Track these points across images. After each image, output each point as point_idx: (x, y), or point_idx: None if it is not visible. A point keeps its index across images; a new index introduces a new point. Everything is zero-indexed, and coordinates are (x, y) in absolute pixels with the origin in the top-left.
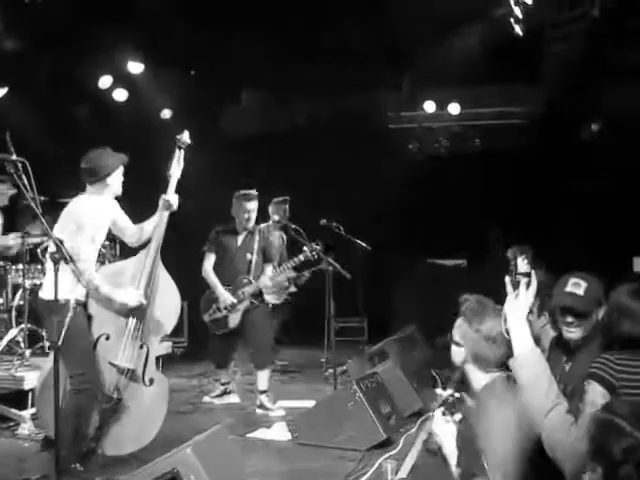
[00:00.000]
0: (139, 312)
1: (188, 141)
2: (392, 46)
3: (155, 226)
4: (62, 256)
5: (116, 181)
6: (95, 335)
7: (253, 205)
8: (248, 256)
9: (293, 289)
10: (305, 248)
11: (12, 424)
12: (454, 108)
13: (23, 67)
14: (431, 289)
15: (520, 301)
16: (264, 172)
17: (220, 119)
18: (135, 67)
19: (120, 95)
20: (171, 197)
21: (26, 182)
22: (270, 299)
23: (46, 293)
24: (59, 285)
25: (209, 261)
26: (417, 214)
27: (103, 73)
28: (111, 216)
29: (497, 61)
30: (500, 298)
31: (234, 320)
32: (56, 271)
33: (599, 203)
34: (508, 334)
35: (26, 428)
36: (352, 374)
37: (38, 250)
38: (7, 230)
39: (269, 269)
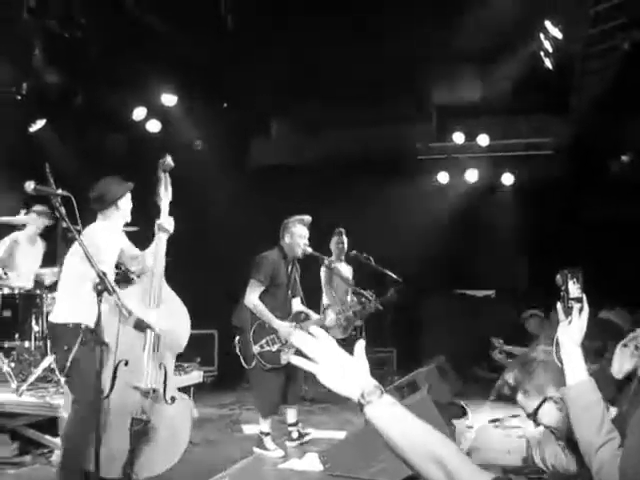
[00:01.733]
0: (155, 334)
1: (172, 164)
2: (421, 77)
3: (154, 252)
4: (105, 287)
5: (124, 207)
6: (112, 363)
7: (307, 231)
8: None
9: (359, 322)
10: (372, 301)
11: (46, 451)
12: (483, 139)
13: (61, 99)
14: (460, 320)
15: (573, 328)
16: (292, 202)
17: (250, 149)
18: (168, 99)
19: (153, 126)
20: (164, 220)
21: (63, 215)
22: (336, 334)
23: (55, 316)
24: (70, 309)
25: (258, 291)
26: (446, 244)
27: (137, 105)
28: (121, 243)
29: (526, 92)
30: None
31: (287, 356)
32: (99, 302)
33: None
34: (561, 363)
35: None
36: None
37: None
38: (47, 258)
39: (332, 308)
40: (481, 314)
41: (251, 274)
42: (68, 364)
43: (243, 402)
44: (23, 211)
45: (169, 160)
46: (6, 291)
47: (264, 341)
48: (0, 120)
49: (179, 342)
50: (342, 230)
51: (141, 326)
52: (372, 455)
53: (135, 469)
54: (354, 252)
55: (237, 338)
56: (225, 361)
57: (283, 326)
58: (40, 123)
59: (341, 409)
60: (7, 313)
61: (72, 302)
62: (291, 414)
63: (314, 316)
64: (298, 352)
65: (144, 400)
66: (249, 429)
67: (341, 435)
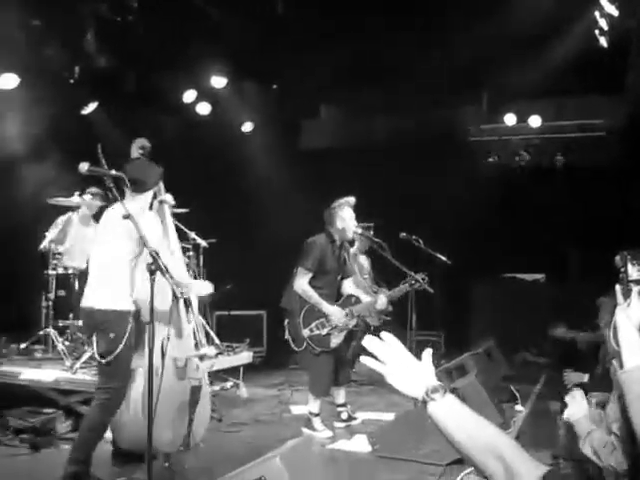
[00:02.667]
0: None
1: (148, 146)
2: (472, 59)
3: (164, 229)
4: (158, 267)
5: (151, 194)
6: (158, 339)
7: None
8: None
9: (390, 308)
10: (416, 277)
11: None
12: (535, 121)
13: (112, 82)
14: (509, 304)
15: (632, 311)
16: (342, 186)
17: (299, 132)
18: (218, 81)
19: (203, 109)
20: (167, 196)
21: (117, 195)
22: (371, 321)
23: (97, 302)
24: (115, 294)
25: (306, 277)
26: (496, 228)
27: (188, 87)
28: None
29: (579, 73)
30: (577, 313)
31: (337, 340)
32: (152, 282)
33: None
34: (618, 346)
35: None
36: None
37: None
38: None
39: (383, 292)
40: (530, 298)
41: (300, 261)
42: (117, 351)
43: (291, 382)
44: (77, 193)
45: (144, 142)
46: (60, 271)
47: (314, 325)
48: (53, 103)
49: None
50: (371, 225)
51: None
52: (421, 437)
53: (192, 436)
54: (404, 234)
55: (286, 321)
56: (274, 342)
57: (333, 310)
58: (92, 106)
59: (389, 391)
60: (62, 293)
61: (118, 287)
62: (340, 395)
63: (365, 299)
64: (347, 336)
65: (190, 366)
66: (297, 409)
67: (390, 417)
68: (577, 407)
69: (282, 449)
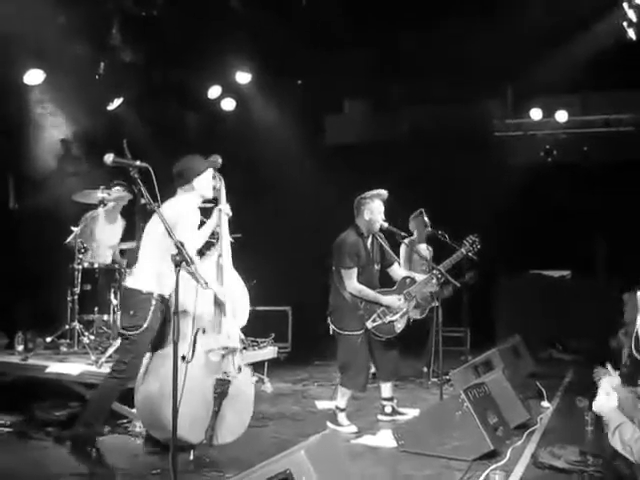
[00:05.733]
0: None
1: (219, 162)
2: (498, 53)
3: (212, 227)
4: (183, 258)
5: (203, 184)
6: (191, 330)
7: (383, 206)
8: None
9: (435, 303)
10: (465, 241)
11: (125, 421)
12: (561, 115)
13: (137, 77)
14: (536, 300)
15: None
16: (367, 180)
17: (323, 127)
18: (243, 77)
19: (228, 104)
20: (225, 206)
21: (142, 187)
22: (414, 315)
23: (132, 282)
24: (148, 278)
25: (354, 275)
26: (522, 223)
27: (212, 83)
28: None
29: (606, 67)
30: (604, 308)
31: (400, 325)
32: (177, 273)
33: None
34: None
35: (137, 425)
36: (455, 384)
37: None
38: (127, 234)
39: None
40: (557, 294)
41: (339, 264)
42: (139, 331)
43: (316, 378)
44: (102, 187)
45: (218, 160)
46: (86, 265)
47: (375, 315)
48: (79, 99)
49: (243, 317)
50: (423, 210)
51: (217, 298)
52: (446, 432)
53: (216, 433)
54: (430, 230)
55: (329, 319)
56: (298, 338)
57: (391, 300)
58: (117, 102)
59: (416, 386)
60: (87, 287)
61: (152, 272)
62: (385, 389)
63: (419, 277)
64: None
65: (226, 362)
66: (322, 404)
67: (415, 412)
68: (606, 399)
69: (307, 443)
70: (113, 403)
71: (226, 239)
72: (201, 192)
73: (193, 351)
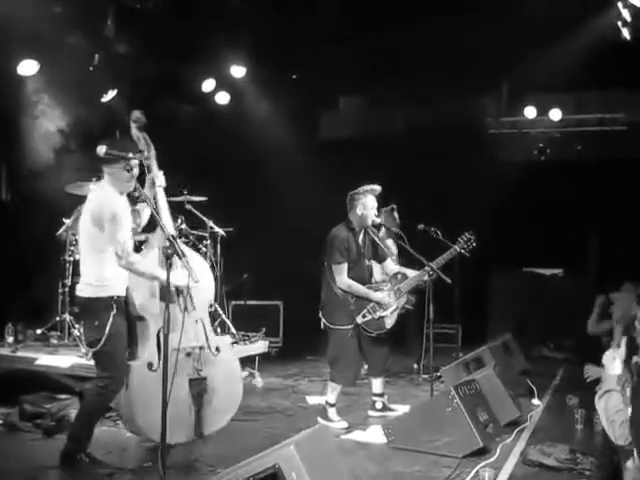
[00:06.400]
0: (183, 292)
1: (143, 118)
2: (493, 51)
3: (156, 208)
4: (175, 251)
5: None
6: (153, 333)
7: (376, 201)
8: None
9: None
10: (460, 239)
11: (114, 414)
12: (556, 114)
13: (131, 70)
14: (527, 298)
15: None
16: (360, 176)
17: (318, 123)
18: (238, 71)
19: (222, 98)
20: (158, 174)
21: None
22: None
23: (87, 291)
24: (99, 280)
25: (344, 271)
26: (515, 221)
27: (207, 77)
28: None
29: (601, 66)
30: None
31: (391, 320)
32: (168, 266)
33: None
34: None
35: None
36: (446, 380)
37: (143, 247)
38: None
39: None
40: (549, 292)
41: (329, 259)
42: (103, 340)
43: (307, 373)
44: (94, 179)
45: (138, 114)
46: (77, 257)
47: (365, 311)
48: (73, 90)
49: (207, 296)
50: (394, 206)
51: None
52: (437, 429)
53: (204, 426)
54: (422, 226)
55: (320, 313)
56: (290, 332)
57: (381, 296)
58: (112, 94)
59: (406, 382)
60: (78, 279)
61: (99, 274)
62: (376, 385)
63: (411, 273)
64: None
65: (194, 360)
66: (312, 400)
67: (405, 408)
68: (613, 362)
69: (297, 438)
70: (98, 419)
71: (166, 215)
72: (118, 176)
73: (159, 354)
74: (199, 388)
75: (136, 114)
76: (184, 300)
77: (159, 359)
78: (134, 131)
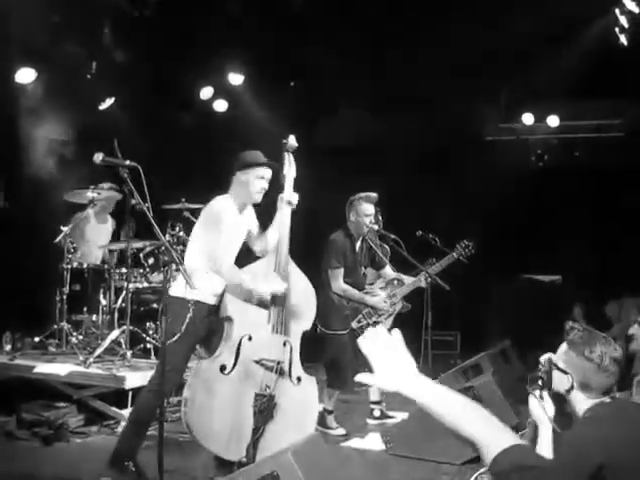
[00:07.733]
0: (279, 308)
1: (295, 144)
2: (490, 58)
3: (278, 228)
4: (172, 259)
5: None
6: (236, 337)
7: (373, 208)
8: (366, 262)
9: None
10: (458, 246)
11: (112, 422)
12: (553, 120)
13: (129, 78)
14: (526, 305)
15: None
16: (359, 184)
17: (316, 131)
18: (235, 78)
19: (220, 106)
20: (288, 195)
21: (132, 187)
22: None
23: (173, 290)
24: (179, 283)
25: (340, 276)
26: (514, 228)
27: (204, 84)
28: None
29: (598, 72)
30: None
31: (386, 326)
32: (166, 272)
33: None
34: None
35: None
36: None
37: (141, 255)
38: (116, 234)
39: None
40: (547, 299)
41: (325, 264)
42: (176, 337)
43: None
44: (92, 187)
45: (292, 140)
46: (75, 265)
47: (360, 316)
48: (70, 98)
49: (304, 320)
50: (378, 209)
51: (265, 302)
52: (435, 436)
53: (258, 449)
54: (420, 232)
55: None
56: None
57: (376, 301)
58: (109, 101)
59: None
60: (76, 287)
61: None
62: (374, 392)
63: (407, 279)
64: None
65: (268, 375)
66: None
67: (404, 415)
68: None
69: (294, 445)
70: (153, 417)
71: (286, 234)
72: (238, 190)
73: (235, 360)
74: (262, 405)
75: (290, 138)
76: (276, 315)
77: (233, 365)
78: (283, 151)
